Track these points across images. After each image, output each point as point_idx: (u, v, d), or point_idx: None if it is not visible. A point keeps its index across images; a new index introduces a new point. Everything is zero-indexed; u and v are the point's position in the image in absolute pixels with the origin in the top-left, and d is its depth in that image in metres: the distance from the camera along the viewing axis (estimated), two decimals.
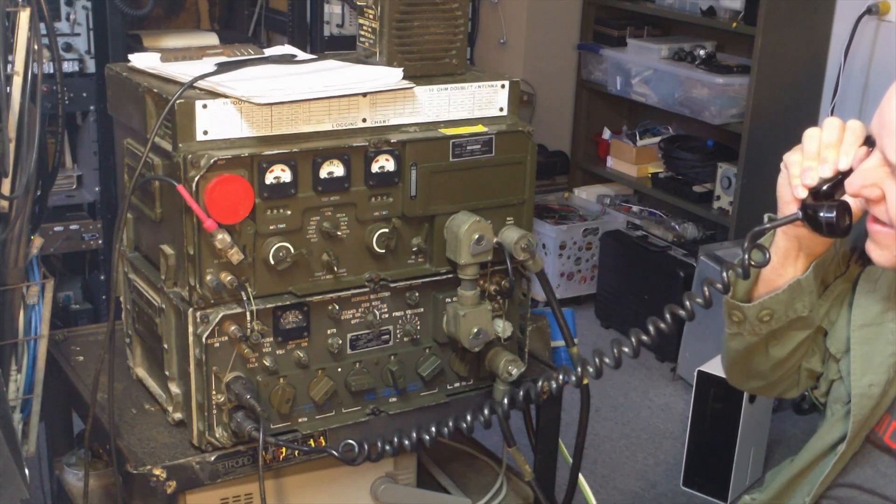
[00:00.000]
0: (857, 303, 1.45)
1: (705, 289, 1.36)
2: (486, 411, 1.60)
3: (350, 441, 1.61)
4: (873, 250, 1.30)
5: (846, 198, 1.30)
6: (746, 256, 1.34)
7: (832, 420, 1.47)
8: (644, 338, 1.43)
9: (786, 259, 1.41)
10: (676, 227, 4.23)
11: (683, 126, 4.45)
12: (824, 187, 1.31)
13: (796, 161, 1.33)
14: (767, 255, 1.36)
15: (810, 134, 1.33)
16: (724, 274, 1.36)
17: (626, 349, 1.46)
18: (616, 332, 4.08)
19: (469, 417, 1.61)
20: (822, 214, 1.30)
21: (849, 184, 1.28)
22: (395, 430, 1.63)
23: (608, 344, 1.46)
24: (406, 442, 1.62)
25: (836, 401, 1.48)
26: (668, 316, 1.41)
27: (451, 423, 1.60)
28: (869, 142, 1.29)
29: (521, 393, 1.62)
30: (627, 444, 3.31)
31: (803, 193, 1.32)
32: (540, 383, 1.58)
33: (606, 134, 4.66)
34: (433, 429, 1.61)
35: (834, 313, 1.49)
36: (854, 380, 1.41)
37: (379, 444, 1.61)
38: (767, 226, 1.36)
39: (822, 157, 1.31)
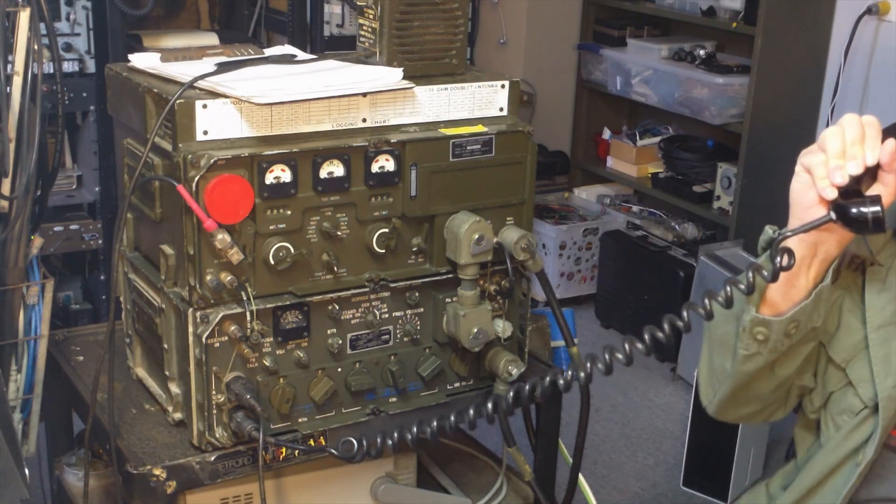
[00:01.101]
0: (869, 304, 1.42)
1: (728, 288, 1.30)
2: (489, 405, 1.58)
3: (349, 438, 1.61)
4: None
5: (874, 190, 1.27)
6: (778, 259, 1.28)
7: (843, 432, 1.43)
8: (659, 334, 1.35)
9: (800, 268, 1.35)
10: (676, 227, 4.22)
11: (683, 126, 4.45)
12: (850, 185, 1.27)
13: (820, 161, 1.28)
14: (793, 260, 1.29)
15: (832, 132, 1.28)
16: (749, 274, 1.30)
17: (639, 346, 1.38)
18: (616, 331, 4.08)
19: (472, 411, 1.58)
20: (863, 210, 1.25)
21: None
22: (395, 429, 1.63)
23: (618, 342, 1.40)
24: (407, 436, 1.60)
25: (843, 411, 1.44)
26: (685, 313, 1.33)
27: (452, 418, 1.58)
28: (889, 133, 1.27)
29: (527, 387, 1.58)
30: (627, 444, 3.31)
31: (833, 194, 1.27)
32: (546, 379, 1.55)
33: (606, 134, 4.66)
34: (434, 423, 1.59)
35: (831, 322, 1.45)
36: (878, 382, 1.38)
37: (378, 441, 1.61)
38: (798, 229, 1.30)
39: (850, 154, 1.27)
